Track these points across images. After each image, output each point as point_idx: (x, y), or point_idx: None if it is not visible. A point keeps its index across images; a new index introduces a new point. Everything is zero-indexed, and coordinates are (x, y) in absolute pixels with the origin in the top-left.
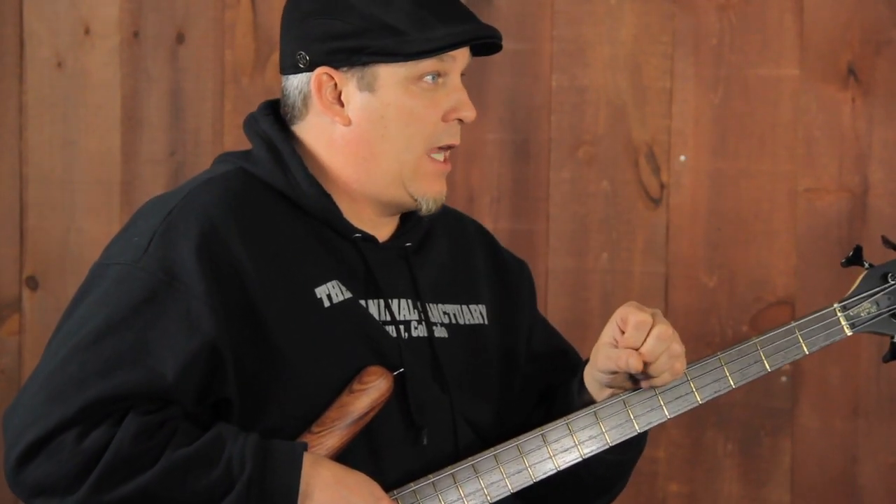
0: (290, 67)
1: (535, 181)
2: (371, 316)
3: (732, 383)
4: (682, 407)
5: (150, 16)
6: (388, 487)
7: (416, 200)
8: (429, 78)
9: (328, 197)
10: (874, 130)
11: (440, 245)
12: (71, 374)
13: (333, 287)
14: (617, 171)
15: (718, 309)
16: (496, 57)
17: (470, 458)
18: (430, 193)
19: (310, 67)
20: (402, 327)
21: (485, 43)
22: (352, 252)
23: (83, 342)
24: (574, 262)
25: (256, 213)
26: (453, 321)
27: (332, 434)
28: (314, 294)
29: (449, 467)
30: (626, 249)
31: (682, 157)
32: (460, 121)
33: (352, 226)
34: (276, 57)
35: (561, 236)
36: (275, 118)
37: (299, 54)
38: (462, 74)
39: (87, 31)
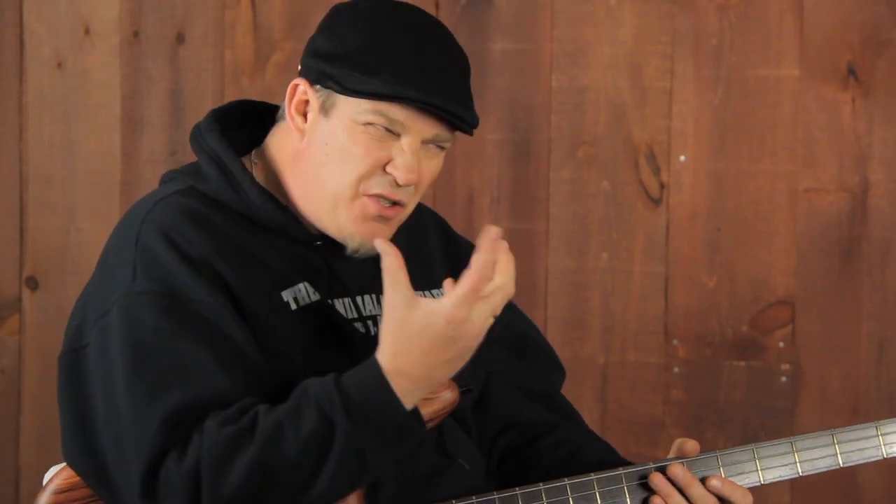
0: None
1: (535, 181)
2: (339, 315)
3: (800, 471)
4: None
5: (150, 16)
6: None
7: (342, 236)
8: (380, 126)
9: (283, 208)
10: (874, 130)
11: (397, 234)
12: (130, 409)
13: (301, 290)
14: (617, 171)
15: (718, 309)
16: (496, 57)
17: (519, 488)
18: (356, 232)
19: (298, 76)
20: (369, 323)
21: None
22: (314, 255)
23: (125, 379)
24: (574, 262)
25: (215, 225)
26: None
27: None
28: (281, 298)
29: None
30: (626, 249)
31: (682, 157)
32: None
33: (310, 234)
34: (276, 57)
35: (561, 236)
36: (221, 133)
37: (300, 62)
38: (442, 147)
39: (87, 31)
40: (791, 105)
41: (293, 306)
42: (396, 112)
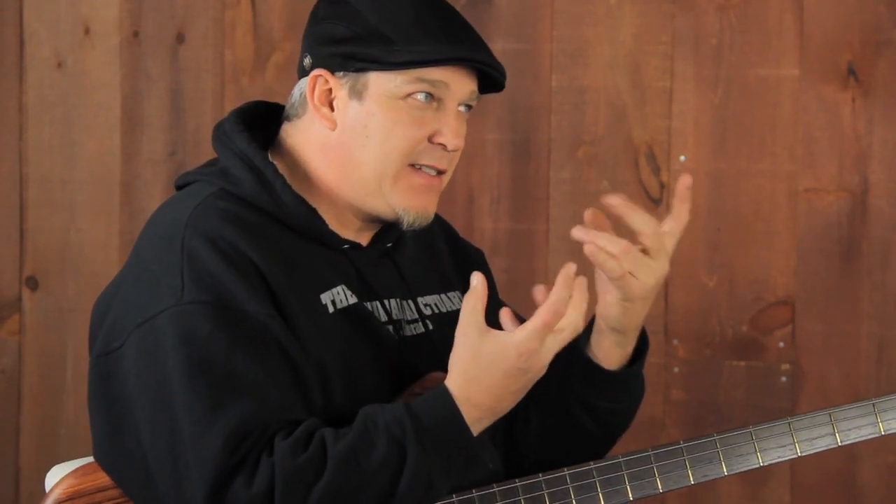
0: (300, 70)
1: (535, 181)
2: (375, 318)
3: (799, 451)
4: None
5: (150, 16)
6: None
7: (396, 213)
8: (421, 96)
9: (314, 212)
10: (874, 130)
11: (408, 240)
12: (188, 425)
13: (339, 293)
14: (617, 171)
15: (718, 309)
16: (496, 57)
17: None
18: (410, 206)
19: (311, 69)
20: (397, 326)
21: (487, 74)
22: (343, 260)
23: (184, 395)
24: (574, 263)
25: (255, 229)
26: (436, 311)
27: None
28: (320, 300)
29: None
30: None
31: (682, 157)
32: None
33: (339, 238)
34: (276, 57)
35: (561, 236)
36: (249, 135)
37: (305, 56)
38: (469, 106)
39: (87, 31)
40: (791, 105)
41: (331, 309)
42: (438, 73)
